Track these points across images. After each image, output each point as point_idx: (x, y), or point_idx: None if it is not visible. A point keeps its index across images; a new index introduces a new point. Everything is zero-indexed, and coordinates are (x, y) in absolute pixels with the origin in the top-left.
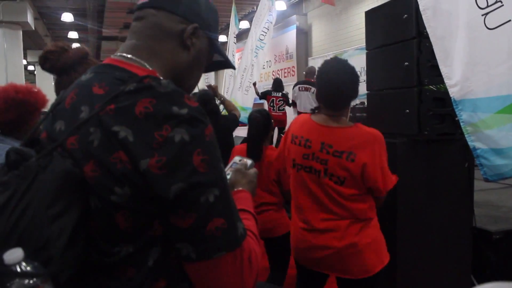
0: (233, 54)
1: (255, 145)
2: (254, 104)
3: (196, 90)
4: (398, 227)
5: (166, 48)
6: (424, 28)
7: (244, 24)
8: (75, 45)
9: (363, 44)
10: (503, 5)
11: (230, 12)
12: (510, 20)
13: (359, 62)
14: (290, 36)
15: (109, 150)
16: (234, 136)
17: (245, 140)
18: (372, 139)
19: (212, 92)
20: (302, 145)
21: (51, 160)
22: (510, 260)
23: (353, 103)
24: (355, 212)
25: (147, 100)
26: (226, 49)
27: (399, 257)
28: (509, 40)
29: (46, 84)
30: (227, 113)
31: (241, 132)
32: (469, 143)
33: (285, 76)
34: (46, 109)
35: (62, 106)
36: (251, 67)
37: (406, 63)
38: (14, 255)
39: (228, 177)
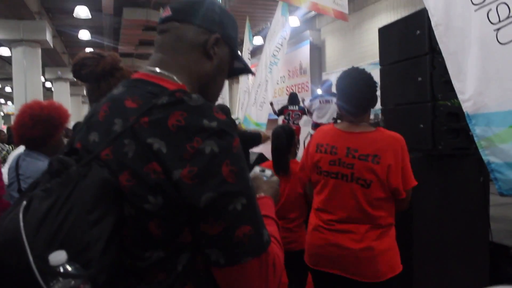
0: None
1: (280, 159)
2: (269, 120)
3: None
4: (414, 241)
5: (191, 59)
6: (437, 44)
7: (258, 40)
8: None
9: (377, 59)
10: None
11: (244, 28)
12: None
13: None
14: (304, 52)
15: (143, 161)
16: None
17: (259, 156)
18: (394, 141)
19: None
20: (328, 152)
21: (90, 169)
22: None
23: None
24: (377, 217)
25: (178, 113)
26: None
27: (415, 271)
28: None
29: (63, 100)
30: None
31: (254, 148)
32: (483, 157)
33: (299, 91)
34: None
35: (96, 119)
36: (265, 83)
37: (419, 79)
38: (58, 257)
39: None
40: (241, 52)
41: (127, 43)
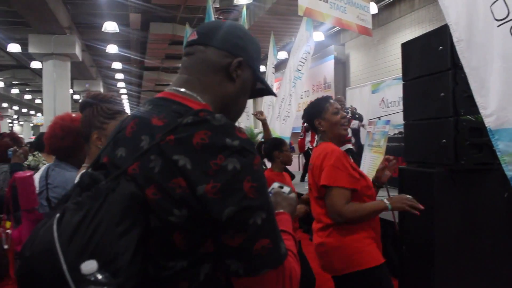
0: (272, 84)
1: None
2: (292, 134)
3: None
4: (436, 257)
5: (214, 81)
6: (459, 59)
7: (282, 55)
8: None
9: (401, 74)
10: None
11: (269, 43)
12: None
13: (397, 92)
14: (328, 66)
15: (169, 176)
16: None
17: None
18: (321, 150)
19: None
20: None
21: (118, 184)
22: None
23: (391, 133)
24: (319, 214)
25: (203, 132)
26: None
27: (437, 287)
28: None
29: None
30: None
31: None
32: (506, 172)
33: None
34: None
35: (123, 135)
36: (289, 97)
37: (442, 94)
38: (90, 266)
39: None
40: (265, 66)
41: (154, 57)
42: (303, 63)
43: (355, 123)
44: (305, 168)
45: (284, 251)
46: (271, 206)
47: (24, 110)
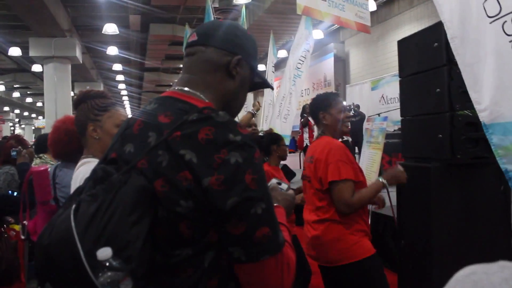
0: (272, 82)
1: None
2: (292, 132)
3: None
4: (434, 252)
5: (215, 79)
6: (454, 55)
7: (282, 53)
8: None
9: None
10: None
11: (269, 41)
12: None
13: (396, 88)
14: (328, 64)
15: (176, 169)
16: None
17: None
18: (325, 145)
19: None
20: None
21: (130, 177)
22: None
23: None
24: (319, 207)
25: (207, 128)
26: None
27: (435, 282)
28: None
29: None
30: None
31: None
32: (501, 165)
33: None
34: None
35: (130, 131)
36: (289, 95)
37: (437, 90)
38: (104, 253)
39: None
40: (265, 65)
41: (154, 58)
42: (303, 61)
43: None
44: None
45: (282, 240)
46: (271, 197)
47: (26, 113)
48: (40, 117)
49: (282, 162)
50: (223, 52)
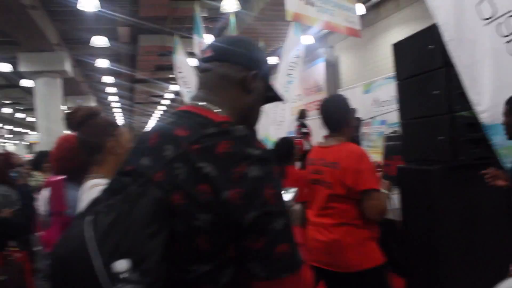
0: None
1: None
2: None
3: None
4: (439, 253)
5: (232, 94)
6: (450, 57)
7: (273, 60)
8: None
9: (391, 73)
10: None
11: None
12: None
13: (388, 91)
14: (319, 69)
15: (194, 182)
16: None
17: None
18: (351, 151)
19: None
20: (311, 164)
21: (147, 190)
22: None
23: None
24: (341, 211)
25: (226, 141)
26: None
27: (441, 283)
28: None
29: None
30: None
31: None
32: (505, 165)
33: (317, 109)
34: None
35: (146, 145)
36: (282, 102)
37: (435, 92)
38: (121, 265)
39: None
40: None
41: (144, 69)
42: (294, 67)
43: None
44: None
45: (301, 258)
46: (288, 213)
47: (17, 129)
48: (33, 132)
49: None
50: (239, 68)
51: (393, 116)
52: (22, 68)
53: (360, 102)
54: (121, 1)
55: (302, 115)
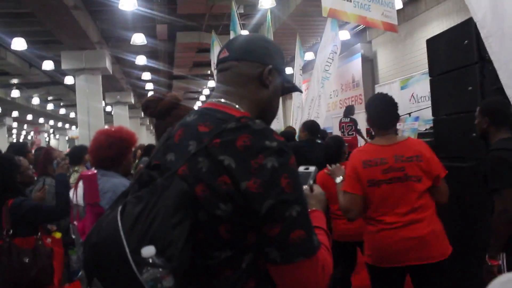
0: (300, 85)
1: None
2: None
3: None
4: (473, 256)
5: (250, 90)
6: (486, 52)
7: (309, 56)
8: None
9: None
10: None
11: (295, 45)
12: None
13: (426, 87)
14: (356, 65)
15: (215, 174)
16: None
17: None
18: (423, 143)
19: None
20: (378, 164)
21: (172, 182)
22: None
23: (422, 129)
24: (426, 204)
25: (245, 135)
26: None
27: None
28: None
29: (122, 122)
30: None
31: None
32: None
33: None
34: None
35: (172, 141)
36: (318, 98)
37: (469, 88)
38: (148, 251)
39: None
40: (293, 68)
41: (182, 66)
42: (330, 63)
43: None
44: None
45: (317, 243)
46: (306, 201)
47: (59, 124)
48: (74, 127)
49: None
50: (255, 64)
51: (429, 113)
52: (65, 66)
53: (397, 97)
54: None
55: (350, 111)
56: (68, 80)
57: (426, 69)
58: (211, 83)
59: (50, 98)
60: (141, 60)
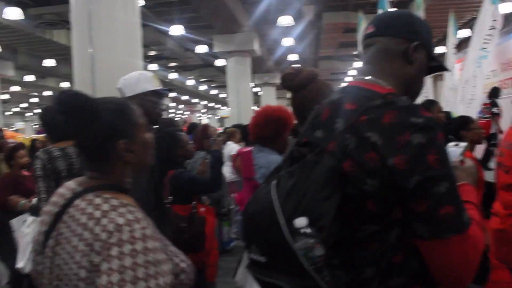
0: (453, 65)
1: None
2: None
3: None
4: None
5: (395, 66)
6: None
7: (464, 33)
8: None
9: None
10: None
11: (447, 22)
12: None
13: None
14: None
15: (362, 151)
16: None
17: None
18: None
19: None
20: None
21: (321, 158)
22: None
23: None
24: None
25: (391, 112)
26: (444, 60)
27: None
28: None
29: (269, 103)
30: None
31: None
32: None
33: None
34: None
35: (319, 119)
36: (473, 79)
37: None
38: (301, 221)
39: None
40: (446, 47)
41: (328, 46)
42: (489, 40)
43: None
44: (487, 154)
45: (467, 220)
46: (454, 177)
47: (211, 104)
48: (224, 107)
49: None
50: (400, 40)
51: None
52: (216, 49)
53: None
54: None
55: (495, 93)
56: (219, 62)
57: None
58: (357, 64)
59: (202, 79)
60: (287, 41)
